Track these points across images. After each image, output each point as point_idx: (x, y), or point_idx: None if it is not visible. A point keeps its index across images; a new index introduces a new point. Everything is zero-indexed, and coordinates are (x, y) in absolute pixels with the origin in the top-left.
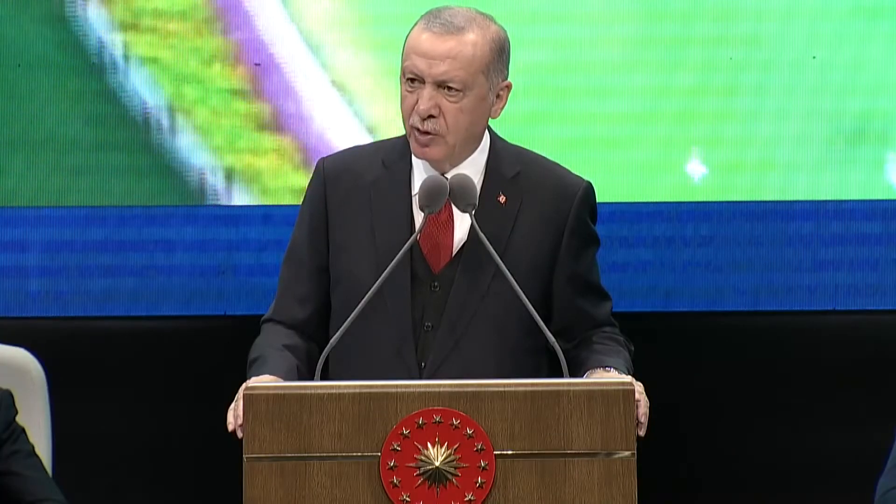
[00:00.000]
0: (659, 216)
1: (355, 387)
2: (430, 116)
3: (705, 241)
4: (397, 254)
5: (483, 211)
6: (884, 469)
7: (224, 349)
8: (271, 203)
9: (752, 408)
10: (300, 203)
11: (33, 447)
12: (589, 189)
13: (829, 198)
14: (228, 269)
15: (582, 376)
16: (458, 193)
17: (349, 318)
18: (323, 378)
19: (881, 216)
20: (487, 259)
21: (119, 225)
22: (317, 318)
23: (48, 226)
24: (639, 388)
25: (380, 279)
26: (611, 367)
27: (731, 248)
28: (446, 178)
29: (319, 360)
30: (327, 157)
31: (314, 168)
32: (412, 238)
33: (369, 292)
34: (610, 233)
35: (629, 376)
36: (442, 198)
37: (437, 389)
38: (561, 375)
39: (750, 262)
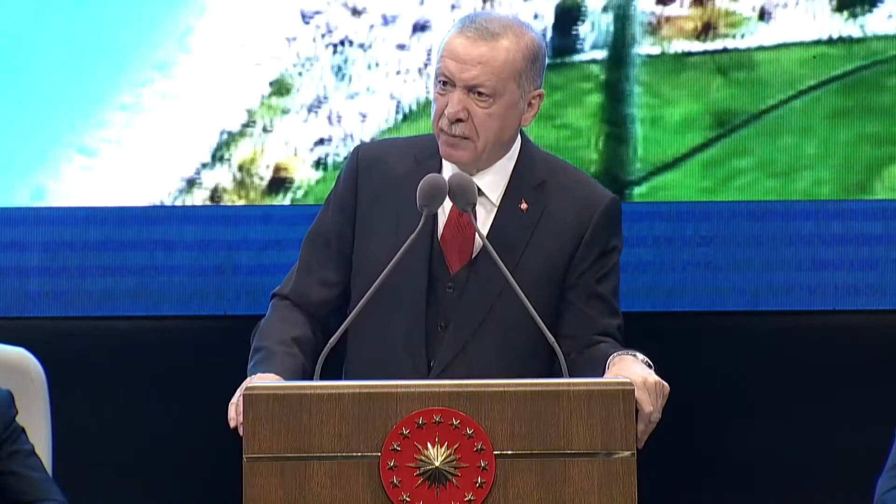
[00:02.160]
0: (659, 216)
1: (355, 387)
2: (459, 120)
3: (705, 241)
4: (417, 250)
5: (504, 216)
6: (884, 469)
7: (224, 349)
8: None
9: (752, 408)
10: (301, 203)
11: (33, 447)
12: (613, 203)
13: (829, 198)
14: (228, 269)
15: (605, 364)
16: (457, 192)
17: (352, 315)
18: (337, 365)
19: (881, 216)
20: (504, 263)
21: (119, 225)
22: (334, 304)
23: (48, 226)
24: (664, 389)
25: (382, 274)
26: (637, 354)
27: (731, 248)
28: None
29: (319, 361)
30: (363, 145)
31: (350, 154)
32: (413, 235)
33: (371, 288)
34: None
35: (655, 376)
36: (441, 197)
37: (437, 389)
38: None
39: (750, 262)
